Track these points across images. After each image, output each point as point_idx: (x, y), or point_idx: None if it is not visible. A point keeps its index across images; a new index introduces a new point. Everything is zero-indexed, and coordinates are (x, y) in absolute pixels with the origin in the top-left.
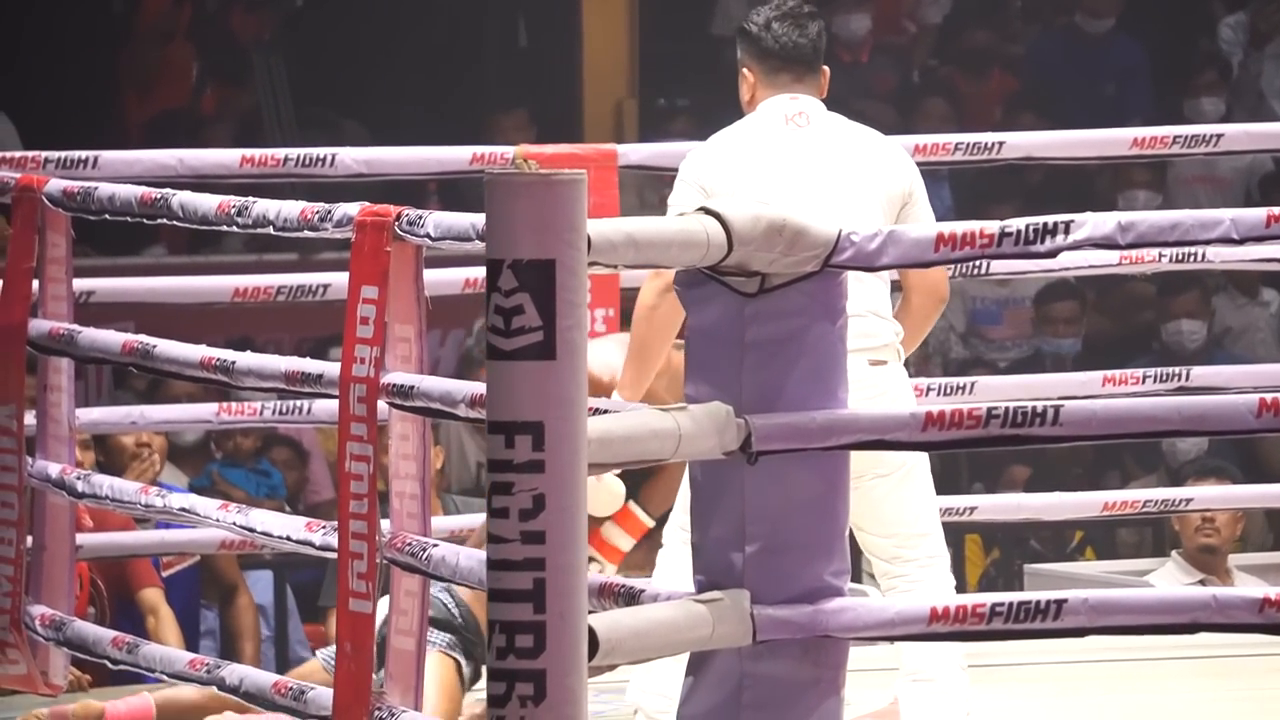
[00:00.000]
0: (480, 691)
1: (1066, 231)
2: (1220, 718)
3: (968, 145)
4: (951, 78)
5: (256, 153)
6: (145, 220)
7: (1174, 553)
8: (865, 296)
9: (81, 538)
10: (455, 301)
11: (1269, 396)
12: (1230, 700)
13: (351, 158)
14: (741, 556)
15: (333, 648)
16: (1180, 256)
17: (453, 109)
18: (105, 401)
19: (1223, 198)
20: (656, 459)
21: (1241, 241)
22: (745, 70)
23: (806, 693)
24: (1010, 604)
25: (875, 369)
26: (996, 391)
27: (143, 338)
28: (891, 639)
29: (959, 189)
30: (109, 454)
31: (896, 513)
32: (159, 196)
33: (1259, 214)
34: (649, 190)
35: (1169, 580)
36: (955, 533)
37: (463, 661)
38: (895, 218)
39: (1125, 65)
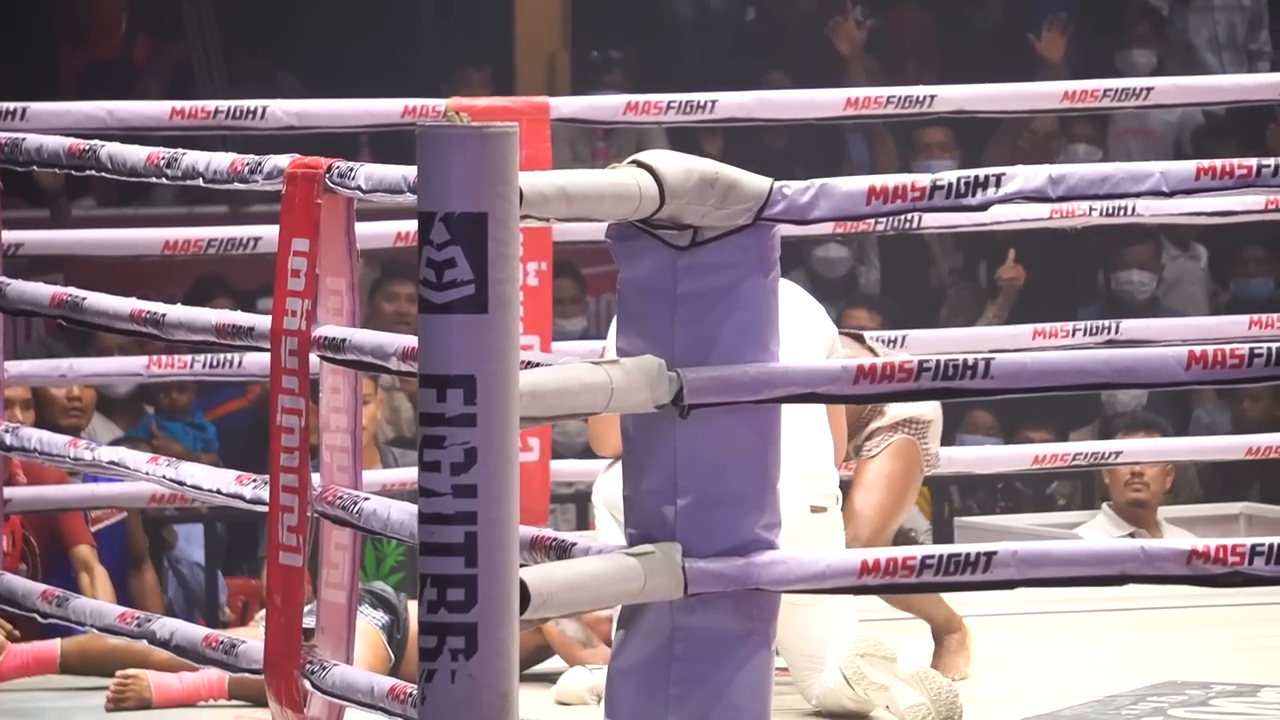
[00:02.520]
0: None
1: (998, 185)
2: (1148, 669)
3: (900, 99)
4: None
5: (186, 105)
6: (74, 171)
7: (1104, 505)
8: (814, 447)
9: (10, 491)
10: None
11: (1198, 349)
12: (1158, 651)
13: (283, 110)
14: (673, 509)
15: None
16: (1111, 210)
17: (386, 61)
18: (36, 350)
19: (1154, 150)
20: (588, 411)
21: (1171, 194)
22: None
23: (738, 645)
24: (940, 556)
25: (816, 515)
26: (928, 345)
27: (72, 290)
28: (822, 592)
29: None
30: (40, 406)
31: (810, 631)
32: (87, 148)
33: (1188, 167)
34: (581, 143)
35: (1099, 533)
36: None
37: (386, 640)
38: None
39: (1054, 16)
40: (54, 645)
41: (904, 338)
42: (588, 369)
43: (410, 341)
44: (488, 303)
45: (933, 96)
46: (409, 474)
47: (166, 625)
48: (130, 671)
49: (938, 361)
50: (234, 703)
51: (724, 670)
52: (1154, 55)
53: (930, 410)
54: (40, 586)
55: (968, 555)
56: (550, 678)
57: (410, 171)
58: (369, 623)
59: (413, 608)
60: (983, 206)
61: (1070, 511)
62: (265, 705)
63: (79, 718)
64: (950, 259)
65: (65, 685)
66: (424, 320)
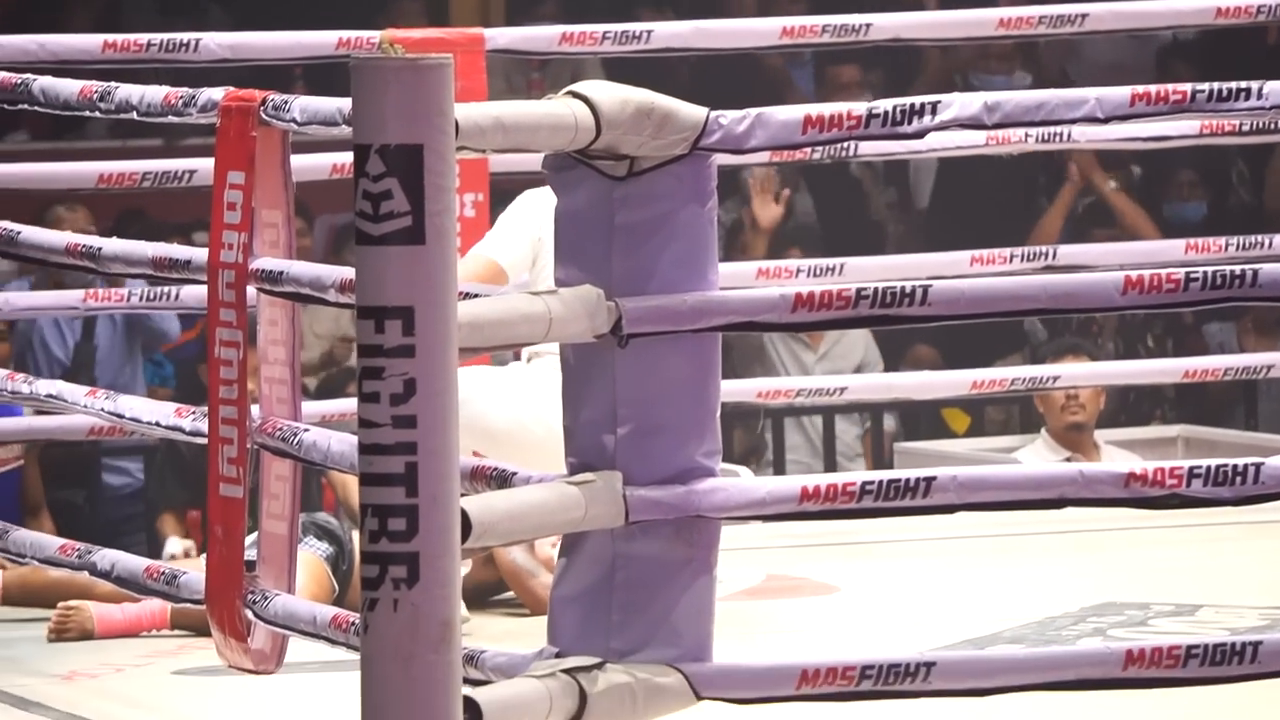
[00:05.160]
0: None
1: (934, 112)
2: (1087, 590)
3: (835, 27)
4: None
5: (119, 38)
6: (6, 105)
7: (1043, 430)
8: None
9: None
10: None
11: (1134, 274)
12: (1096, 573)
13: (216, 43)
14: (613, 439)
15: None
16: (1046, 136)
17: None
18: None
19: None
20: (527, 341)
21: (1106, 120)
22: None
23: (679, 572)
24: (880, 482)
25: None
26: (865, 272)
27: (7, 224)
28: (763, 518)
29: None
30: None
31: None
32: (19, 81)
33: (1123, 93)
34: (516, 75)
35: (1037, 457)
36: (827, 412)
37: (331, 571)
38: None
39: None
40: None
41: (841, 266)
42: (526, 300)
43: (348, 273)
44: (425, 234)
45: (868, 25)
46: (349, 405)
47: (107, 557)
48: (72, 603)
49: (875, 289)
50: (176, 633)
51: (665, 596)
52: None
53: None
54: None
55: (907, 481)
56: (509, 603)
57: (345, 104)
58: (313, 554)
59: (358, 538)
60: (919, 134)
61: (1007, 436)
62: (208, 635)
63: (21, 649)
64: (885, 194)
65: (7, 617)
66: (361, 252)
